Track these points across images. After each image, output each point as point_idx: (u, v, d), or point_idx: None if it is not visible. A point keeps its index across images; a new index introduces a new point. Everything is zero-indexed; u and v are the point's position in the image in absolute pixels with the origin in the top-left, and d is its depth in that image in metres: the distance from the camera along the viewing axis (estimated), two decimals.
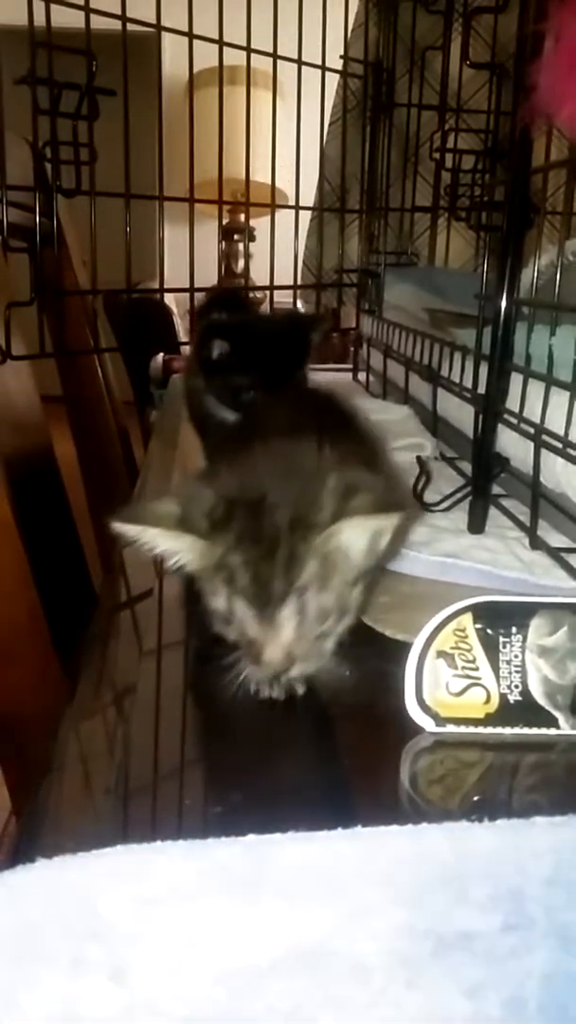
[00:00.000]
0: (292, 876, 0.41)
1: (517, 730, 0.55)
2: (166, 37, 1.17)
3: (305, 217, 1.53)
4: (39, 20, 1.00)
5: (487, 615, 0.56)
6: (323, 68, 1.36)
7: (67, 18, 1.02)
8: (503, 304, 0.82)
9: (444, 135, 1.51)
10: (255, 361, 0.97)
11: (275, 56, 1.28)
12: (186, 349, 2.65)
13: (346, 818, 0.45)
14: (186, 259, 1.29)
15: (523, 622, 0.56)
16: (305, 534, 0.55)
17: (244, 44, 1.23)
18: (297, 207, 1.39)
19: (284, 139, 1.44)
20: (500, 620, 0.56)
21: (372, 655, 0.63)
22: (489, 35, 1.39)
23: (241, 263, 3.09)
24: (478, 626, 0.56)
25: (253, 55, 1.30)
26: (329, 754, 0.57)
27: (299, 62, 1.31)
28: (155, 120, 1.27)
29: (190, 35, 1.17)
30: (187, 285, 1.34)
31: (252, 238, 2.68)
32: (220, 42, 1.21)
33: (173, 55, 1.23)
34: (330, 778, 0.54)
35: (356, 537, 0.56)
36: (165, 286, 1.39)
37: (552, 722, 0.55)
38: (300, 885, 0.40)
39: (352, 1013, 0.33)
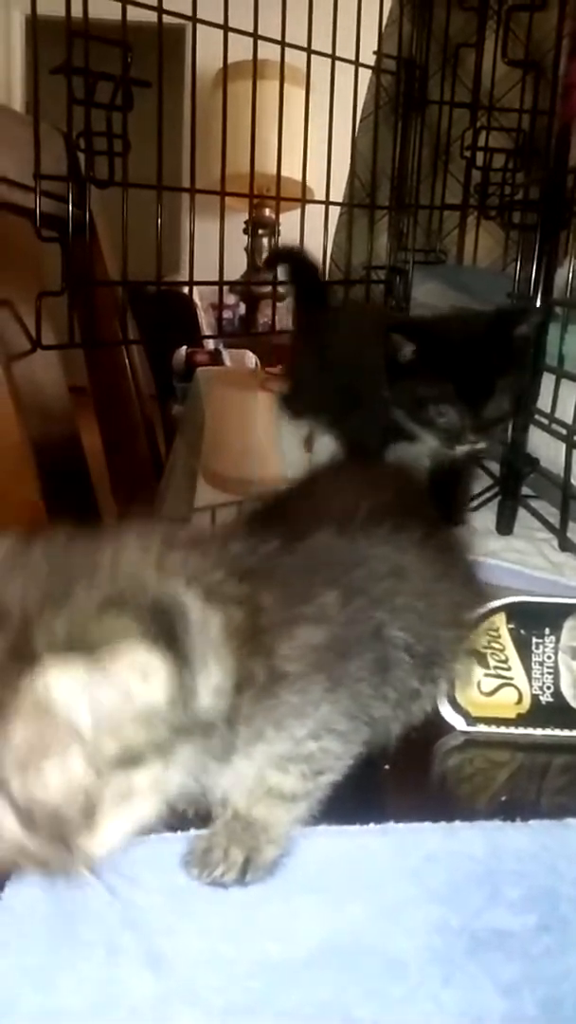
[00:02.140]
0: (324, 869, 0.41)
1: (548, 731, 0.55)
2: (197, 30, 1.17)
3: (334, 213, 1.53)
4: (76, 11, 1.00)
5: (520, 615, 0.56)
6: (356, 64, 1.35)
7: (102, 9, 1.02)
8: (537, 304, 0.82)
9: (476, 133, 1.50)
10: (448, 368, 0.81)
11: (309, 51, 1.28)
12: (209, 344, 2.66)
13: (377, 814, 0.45)
14: (210, 252, 1.29)
15: (557, 623, 0.56)
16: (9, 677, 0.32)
17: (278, 38, 1.23)
18: (327, 202, 1.39)
19: (315, 134, 1.44)
20: (533, 621, 0.56)
21: None
22: (524, 33, 1.38)
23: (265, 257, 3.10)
24: (511, 626, 0.56)
25: (285, 50, 1.29)
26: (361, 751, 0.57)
27: (333, 57, 1.30)
28: (183, 113, 1.27)
29: (225, 28, 1.17)
30: (211, 278, 1.34)
31: (278, 233, 2.69)
32: (255, 35, 1.21)
33: (203, 48, 1.23)
34: (362, 774, 0.54)
35: (79, 691, 0.32)
36: (201, 280, 1.39)
37: None
38: (332, 879, 0.40)
39: (389, 1008, 0.33)
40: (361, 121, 1.57)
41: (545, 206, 0.80)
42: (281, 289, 1.56)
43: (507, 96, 1.56)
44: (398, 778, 0.52)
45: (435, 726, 0.54)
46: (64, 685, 0.32)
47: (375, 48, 1.45)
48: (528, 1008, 0.33)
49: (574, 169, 0.86)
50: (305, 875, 0.40)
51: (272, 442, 1.44)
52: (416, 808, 0.47)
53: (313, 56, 1.33)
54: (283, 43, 1.24)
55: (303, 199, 1.35)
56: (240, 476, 1.33)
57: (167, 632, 0.34)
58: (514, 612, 0.56)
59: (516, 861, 0.42)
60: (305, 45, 1.28)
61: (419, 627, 0.46)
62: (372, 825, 0.44)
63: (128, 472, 1.47)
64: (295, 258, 1.31)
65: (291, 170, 1.46)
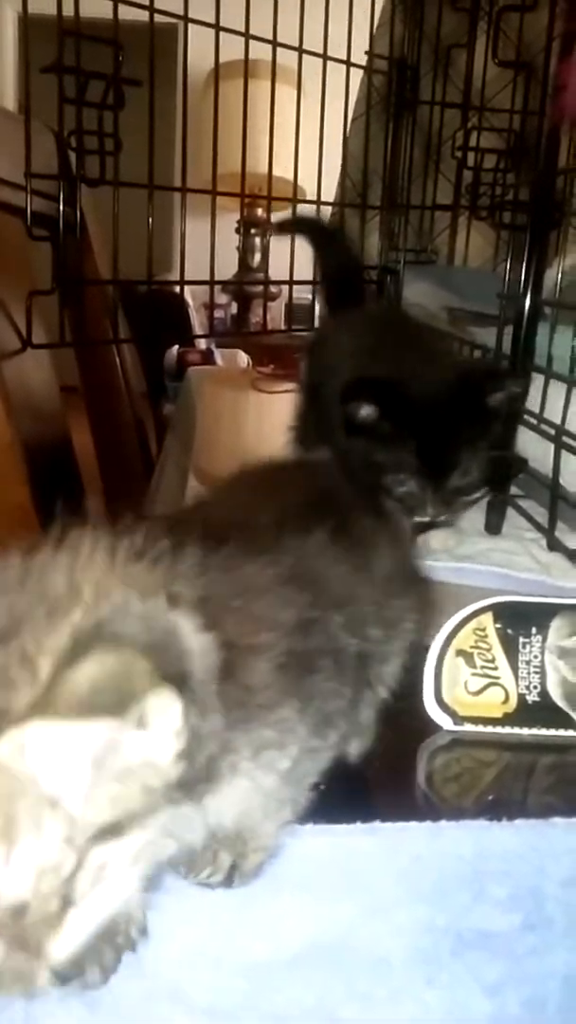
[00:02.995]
0: (311, 869, 0.41)
1: (535, 731, 0.55)
2: (189, 29, 1.17)
3: (325, 212, 1.53)
4: (68, 10, 1.00)
5: (507, 615, 0.56)
6: (348, 63, 1.35)
7: (94, 8, 1.02)
8: (526, 304, 0.82)
9: (467, 133, 1.50)
10: (409, 433, 0.73)
11: (300, 50, 1.28)
12: (201, 343, 2.66)
13: (365, 813, 0.45)
14: (202, 252, 1.29)
15: (543, 623, 0.56)
16: None
17: (270, 38, 1.23)
18: (319, 202, 1.39)
19: (307, 134, 1.44)
20: (520, 620, 0.56)
21: None
22: (515, 33, 1.38)
23: (257, 257, 3.10)
24: (498, 626, 0.56)
25: (277, 50, 1.29)
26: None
27: (324, 57, 1.30)
28: (175, 112, 1.27)
29: (216, 27, 1.17)
30: (203, 278, 1.34)
31: (270, 232, 2.68)
32: (247, 35, 1.21)
33: (195, 47, 1.23)
34: (348, 774, 0.54)
35: (60, 751, 0.26)
36: (192, 280, 1.39)
37: (570, 723, 0.55)
38: (319, 879, 0.40)
39: (374, 1008, 0.33)
40: (353, 121, 1.57)
41: (535, 207, 0.80)
42: (273, 289, 1.56)
43: (498, 97, 1.56)
44: (385, 778, 0.52)
45: (422, 726, 0.55)
46: (41, 744, 0.25)
47: (367, 48, 1.45)
48: (512, 1008, 0.34)
49: (564, 170, 0.86)
50: (292, 875, 0.40)
51: (264, 442, 1.44)
52: (404, 808, 0.47)
53: (305, 56, 1.33)
54: (275, 43, 1.24)
55: (294, 199, 1.35)
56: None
57: (173, 668, 0.27)
58: (501, 612, 0.56)
59: (502, 861, 0.42)
60: (297, 45, 1.27)
61: (340, 630, 0.43)
62: (359, 825, 0.43)
63: (119, 471, 1.47)
64: (314, 229, 1.19)
65: (283, 170, 1.46)
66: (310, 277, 1.37)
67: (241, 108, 1.28)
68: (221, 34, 1.21)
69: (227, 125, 1.31)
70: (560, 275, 0.84)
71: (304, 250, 1.48)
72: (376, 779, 0.52)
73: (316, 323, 2.46)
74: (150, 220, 1.14)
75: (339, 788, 0.52)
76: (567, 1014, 0.34)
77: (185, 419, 1.50)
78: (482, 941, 0.37)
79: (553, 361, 0.83)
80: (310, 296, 1.56)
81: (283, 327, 2.05)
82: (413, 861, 0.41)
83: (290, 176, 1.45)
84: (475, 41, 1.46)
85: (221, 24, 1.19)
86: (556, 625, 0.56)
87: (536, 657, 0.55)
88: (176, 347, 2.51)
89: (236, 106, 1.30)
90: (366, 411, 0.73)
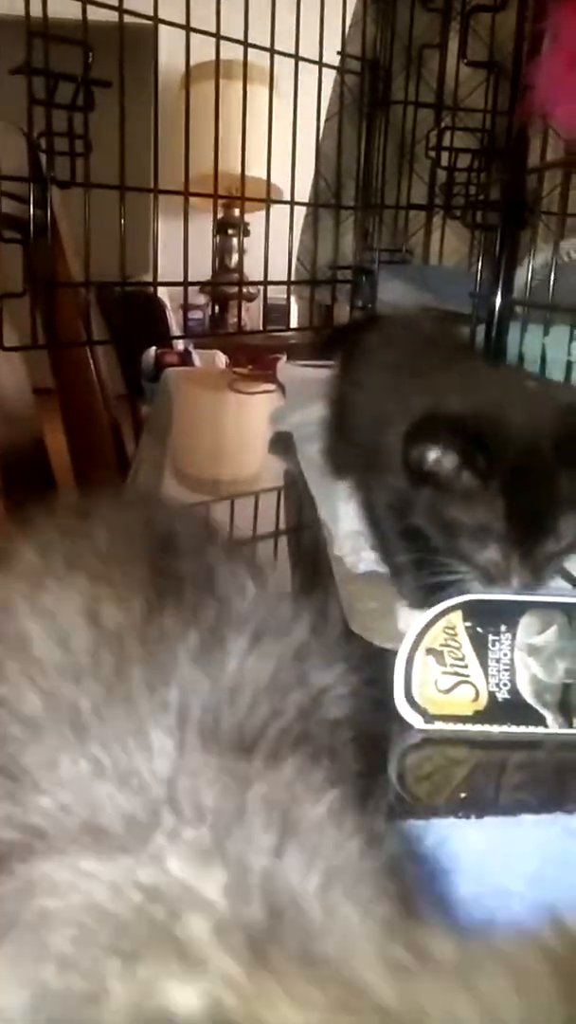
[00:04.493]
0: None
1: (505, 728, 0.55)
2: (162, 30, 1.17)
3: (300, 213, 1.53)
4: (36, 11, 1.00)
5: (477, 613, 0.56)
6: (320, 64, 1.36)
7: (64, 8, 1.02)
8: (497, 303, 0.83)
9: (440, 133, 1.51)
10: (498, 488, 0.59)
11: (272, 51, 1.28)
12: (179, 344, 2.66)
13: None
14: (179, 253, 1.29)
15: (513, 620, 0.56)
16: None
17: (241, 38, 1.23)
18: (292, 202, 1.39)
19: (280, 135, 1.44)
20: (490, 618, 0.56)
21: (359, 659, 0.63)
22: (487, 33, 1.39)
23: (235, 258, 3.10)
24: (468, 624, 0.56)
25: (250, 50, 1.30)
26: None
27: (296, 57, 1.30)
28: (149, 113, 1.26)
29: (187, 28, 1.17)
30: (180, 279, 1.34)
31: (247, 233, 2.69)
32: (217, 36, 1.21)
33: (168, 48, 1.23)
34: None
35: None
36: (159, 280, 1.39)
37: (540, 720, 0.55)
38: None
39: None
40: (326, 121, 1.57)
41: (505, 206, 0.80)
42: (252, 290, 1.55)
43: (472, 96, 1.57)
44: (356, 777, 0.52)
45: (393, 725, 0.55)
46: None
47: (339, 48, 1.45)
48: None
49: (533, 169, 0.87)
50: None
51: (242, 443, 1.44)
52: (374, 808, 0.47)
53: (278, 56, 1.34)
54: (245, 43, 1.24)
55: (267, 199, 1.36)
56: (210, 477, 1.33)
57: None
58: (470, 610, 0.56)
59: (469, 859, 0.42)
60: (268, 45, 1.28)
61: None
62: None
63: (93, 472, 1.47)
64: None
65: (258, 170, 1.46)
66: (284, 278, 1.37)
67: (214, 109, 1.29)
68: (194, 35, 1.21)
69: (201, 126, 1.31)
70: (530, 274, 0.85)
71: (280, 251, 1.48)
72: (348, 779, 0.52)
73: (291, 323, 2.46)
74: (122, 221, 1.13)
75: None
76: None
77: (161, 420, 1.50)
78: None
79: (524, 360, 0.84)
80: (285, 297, 1.57)
81: (261, 328, 2.04)
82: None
83: (265, 176, 1.45)
84: (448, 41, 1.47)
85: (193, 25, 1.19)
86: (525, 622, 0.56)
87: (506, 655, 0.56)
88: (154, 348, 2.50)
89: (209, 107, 1.30)
90: (441, 459, 0.60)
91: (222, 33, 1.23)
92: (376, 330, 0.91)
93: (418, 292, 1.42)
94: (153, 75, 1.22)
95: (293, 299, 1.55)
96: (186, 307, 1.41)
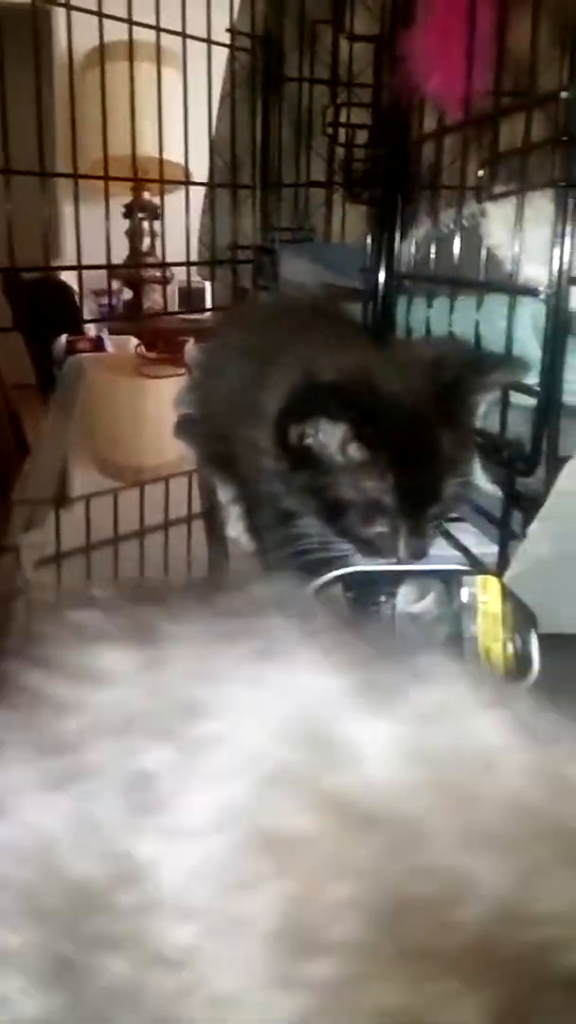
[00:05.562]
0: None
1: None
2: (58, 12, 1.15)
3: (200, 193, 1.52)
4: None
5: (357, 585, 0.57)
6: (208, 42, 1.34)
7: None
8: (381, 277, 0.83)
9: (337, 109, 1.51)
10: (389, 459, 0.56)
11: (158, 29, 1.26)
12: (90, 329, 2.62)
13: None
14: (85, 238, 1.28)
15: (391, 591, 0.56)
16: None
17: (134, 19, 1.22)
18: (187, 183, 1.38)
19: (180, 115, 1.43)
20: (369, 589, 0.56)
21: None
22: (378, 6, 1.39)
23: (147, 241, 3.07)
24: (349, 595, 0.56)
25: (140, 29, 1.28)
26: None
27: (183, 35, 1.29)
28: (46, 95, 1.24)
29: (67, 7, 1.15)
30: (89, 263, 1.32)
31: (157, 216, 2.66)
32: (100, 14, 1.18)
33: (64, 30, 1.21)
34: None
35: None
36: (65, 265, 1.37)
37: None
38: None
39: None
40: (221, 101, 1.56)
41: (383, 180, 0.80)
42: (166, 273, 1.53)
43: (366, 71, 1.57)
44: None
45: None
46: None
47: (228, 26, 1.44)
48: None
49: (417, 142, 0.87)
50: None
51: (154, 428, 1.42)
52: None
53: (171, 36, 1.32)
54: (130, 21, 1.22)
55: (160, 180, 1.34)
56: (125, 463, 1.32)
57: None
58: (351, 582, 0.56)
59: None
60: (154, 23, 1.26)
61: None
62: None
63: None
64: None
65: (164, 153, 1.45)
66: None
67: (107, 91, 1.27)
68: (86, 16, 1.19)
69: (97, 108, 1.30)
70: (414, 247, 0.85)
71: (183, 233, 1.47)
72: None
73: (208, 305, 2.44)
74: (8, 206, 1.11)
75: None
76: None
77: (65, 405, 1.48)
78: None
79: (411, 334, 0.85)
80: (200, 279, 1.56)
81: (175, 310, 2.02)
82: None
83: (171, 158, 1.44)
84: (342, 16, 1.46)
85: (73, 4, 1.17)
86: (404, 591, 0.56)
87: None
88: (65, 335, 2.46)
89: (108, 88, 1.28)
90: (326, 433, 0.55)
91: (112, 13, 1.21)
92: (250, 307, 0.88)
93: (320, 270, 1.42)
94: (36, 58, 1.20)
95: (197, 279, 1.53)
96: (82, 293, 1.39)
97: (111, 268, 1.28)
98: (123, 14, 1.20)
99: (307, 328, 0.72)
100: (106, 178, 1.25)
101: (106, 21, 1.20)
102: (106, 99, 1.28)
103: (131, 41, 1.27)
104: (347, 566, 0.58)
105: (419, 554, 0.58)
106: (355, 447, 0.56)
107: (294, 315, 0.81)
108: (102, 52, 1.21)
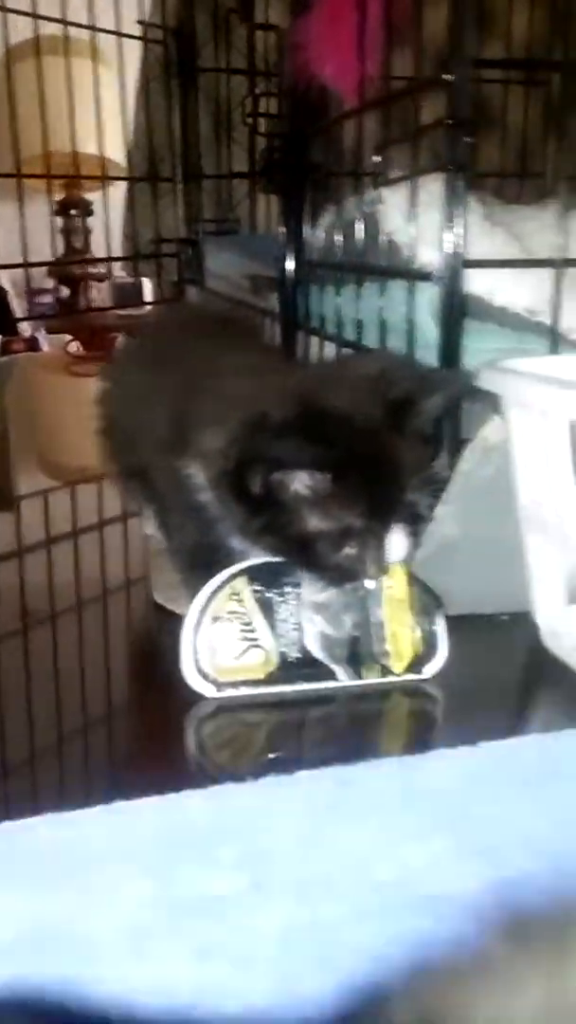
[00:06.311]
0: (44, 860, 0.40)
1: (299, 687, 0.56)
2: None
3: (120, 188, 1.51)
4: None
5: (262, 576, 0.56)
6: (119, 34, 1.33)
7: None
8: (289, 266, 0.83)
9: (255, 100, 1.50)
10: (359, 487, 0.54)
11: (65, 23, 1.24)
12: (24, 327, 2.58)
13: (116, 793, 0.44)
14: (12, 237, 1.26)
15: (296, 580, 0.56)
16: None
17: (31, 11, 1.20)
18: (104, 178, 1.37)
19: (107, 108, 1.42)
20: (273, 580, 0.56)
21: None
22: None
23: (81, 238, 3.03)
24: (254, 588, 0.56)
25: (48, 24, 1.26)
26: (105, 734, 0.57)
27: (92, 28, 1.27)
28: None
29: None
30: (19, 262, 1.31)
31: (90, 212, 2.63)
32: (4, 9, 1.16)
33: None
34: (109, 755, 0.54)
35: None
36: None
37: (331, 675, 0.56)
38: (50, 868, 0.40)
39: (79, 992, 0.32)
40: (138, 94, 1.54)
41: (286, 168, 0.80)
42: (101, 268, 1.51)
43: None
44: (147, 756, 0.52)
45: (184, 698, 0.54)
46: None
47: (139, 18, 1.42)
48: (220, 969, 0.34)
49: (317, 130, 0.87)
50: (23, 867, 0.39)
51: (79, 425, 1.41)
52: (164, 781, 0.46)
53: (83, 30, 1.30)
54: (35, 15, 1.20)
55: (76, 175, 1.33)
56: (61, 462, 1.31)
57: None
58: (254, 574, 0.56)
59: (238, 822, 0.42)
60: (61, 17, 1.24)
61: None
62: (97, 808, 0.43)
63: None
64: None
65: (83, 146, 1.43)
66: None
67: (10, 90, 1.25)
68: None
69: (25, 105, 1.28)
70: (322, 235, 0.85)
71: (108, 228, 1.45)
72: (137, 758, 0.52)
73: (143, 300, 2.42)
74: None
75: (95, 770, 0.51)
76: (278, 966, 0.34)
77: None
78: (202, 906, 0.37)
79: (324, 321, 0.84)
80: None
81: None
82: (143, 837, 0.41)
83: (86, 150, 1.42)
84: (251, 5, 1.46)
85: None
86: (308, 581, 0.56)
87: (292, 615, 0.56)
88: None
89: (31, 85, 1.27)
90: (292, 476, 0.53)
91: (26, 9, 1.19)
92: (155, 317, 0.84)
93: (245, 261, 1.41)
94: None
95: (123, 274, 1.52)
96: (30, 291, 1.37)
97: (28, 267, 1.26)
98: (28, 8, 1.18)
99: (219, 345, 0.70)
100: (18, 176, 1.23)
101: (12, 16, 1.18)
102: (16, 97, 1.26)
103: (37, 36, 1.25)
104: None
105: (386, 568, 0.56)
106: (320, 478, 0.53)
107: (199, 327, 0.78)
108: (7, 49, 1.19)
